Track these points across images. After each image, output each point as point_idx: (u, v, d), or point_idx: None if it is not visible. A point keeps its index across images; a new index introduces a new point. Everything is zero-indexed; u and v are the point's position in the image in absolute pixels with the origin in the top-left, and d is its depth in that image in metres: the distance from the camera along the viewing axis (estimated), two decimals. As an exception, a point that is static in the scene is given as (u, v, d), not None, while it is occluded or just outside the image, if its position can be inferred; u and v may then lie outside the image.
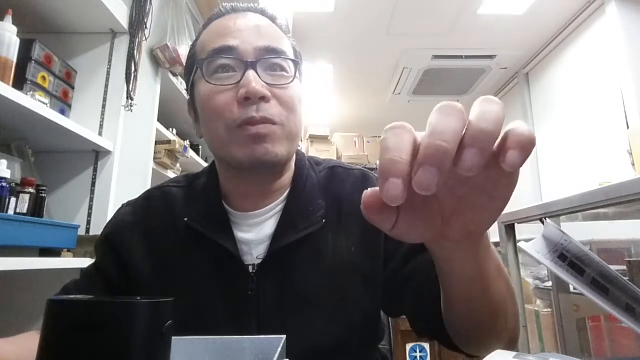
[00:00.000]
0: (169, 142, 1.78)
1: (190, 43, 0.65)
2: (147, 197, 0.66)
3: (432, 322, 0.50)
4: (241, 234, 0.58)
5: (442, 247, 0.34)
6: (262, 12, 0.62)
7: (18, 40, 1.04)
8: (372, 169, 0.69)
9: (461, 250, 0.34)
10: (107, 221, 0.67)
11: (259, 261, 0.57)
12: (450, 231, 0.30)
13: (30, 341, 0.54)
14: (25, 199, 1.06)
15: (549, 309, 1.64)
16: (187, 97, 0.64)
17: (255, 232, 0.59)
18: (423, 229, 0.29)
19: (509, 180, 0.27)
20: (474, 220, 0.30)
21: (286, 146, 0.56)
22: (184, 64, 0.70)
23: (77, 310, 0.23)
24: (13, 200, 1.03)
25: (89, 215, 1.36)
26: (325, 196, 0.62)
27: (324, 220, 0.58)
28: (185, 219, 0.60)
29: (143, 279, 0.59)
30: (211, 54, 0.56)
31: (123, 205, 0.68)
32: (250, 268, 0.57)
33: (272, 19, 0.62)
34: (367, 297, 0.59)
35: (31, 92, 1.12)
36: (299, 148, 0.66)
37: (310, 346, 0.53)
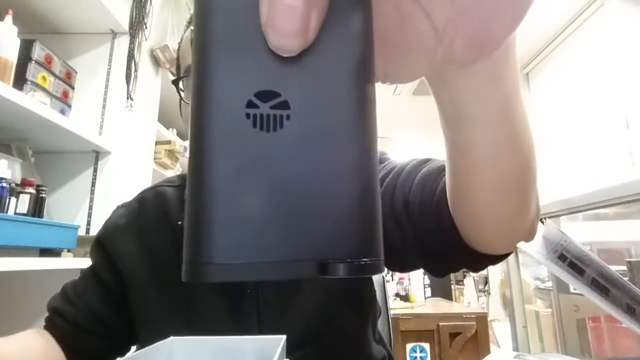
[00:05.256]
0: (169, 142, 1.78)
1: (190, 43, 0.65)
2: (141, 199, 0.66)
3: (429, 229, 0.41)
4: None
5: (451, 80, 0.24)
6: None
7: (18, 41, 1.04)
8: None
9: (479, 77, 0.24)
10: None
11: None
12: (453, 50, 0.20)
13: (30, 339, 0.54)
14: (25, 199, 1.06)
15: (549, 309, 1.64)
16: (179, 95, 0.64)
17: None
18: (413, 59, 0.21)
19: None
20: (482, 25, 0.20)
21: None
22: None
23: None
24: (13, 200, 1.03)
25: (89, 215, 1.36)
26: None
27: None
28: (179, 222, 0.60)
29: (137, 280, 0.59)
30: None
31: (118, 207, 0.68)
32: None
33: None
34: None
35: (31, 92, 1.12)
36: None
37: (310, 332, 0.54)
